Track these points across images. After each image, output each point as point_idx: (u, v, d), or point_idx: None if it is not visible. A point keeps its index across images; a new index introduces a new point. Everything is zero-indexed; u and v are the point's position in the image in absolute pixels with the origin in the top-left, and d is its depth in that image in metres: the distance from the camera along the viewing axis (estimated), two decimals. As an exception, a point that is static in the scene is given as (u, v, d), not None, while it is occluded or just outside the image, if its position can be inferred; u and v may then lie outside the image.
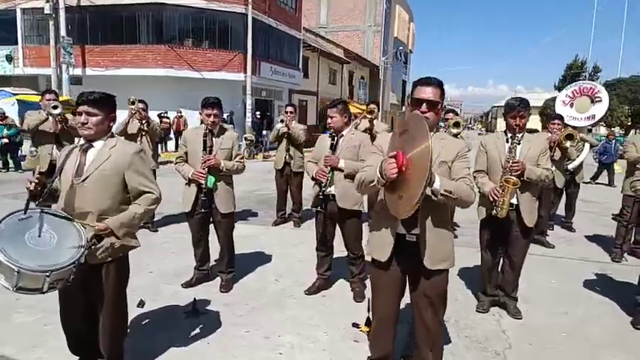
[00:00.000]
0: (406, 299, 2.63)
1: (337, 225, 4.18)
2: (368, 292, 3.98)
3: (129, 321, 2.91)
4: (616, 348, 3.41)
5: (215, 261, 4.54)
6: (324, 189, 3.95)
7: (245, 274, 4.65)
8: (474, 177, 3.73)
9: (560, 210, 7.19)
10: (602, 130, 32.79)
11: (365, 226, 4.57)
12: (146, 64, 18.65)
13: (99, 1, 18.57)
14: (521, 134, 3.74)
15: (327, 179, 3.94)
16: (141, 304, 3.76)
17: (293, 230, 6.77)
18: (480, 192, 3.73)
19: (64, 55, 17.60)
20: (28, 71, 20.01)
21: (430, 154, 1.97)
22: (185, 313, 3.70)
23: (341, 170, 3.94)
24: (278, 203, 7.09)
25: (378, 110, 6.64)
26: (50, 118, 5.35)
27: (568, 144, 5.63)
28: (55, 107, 5.23)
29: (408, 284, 2.60)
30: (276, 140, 6.96)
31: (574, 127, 6.46)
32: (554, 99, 35.02)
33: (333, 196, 3.98)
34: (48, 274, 2.12)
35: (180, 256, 5.03)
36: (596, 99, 7.84)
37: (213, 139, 4.09)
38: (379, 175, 2.25)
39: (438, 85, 2.44)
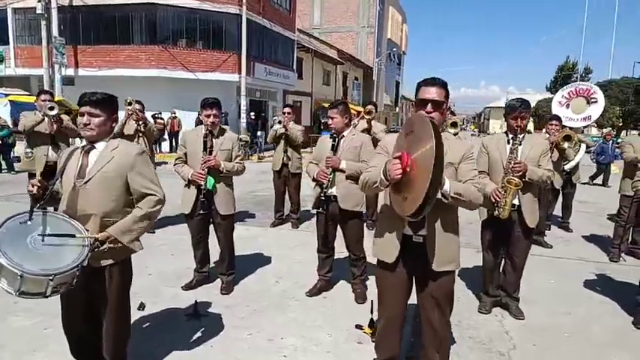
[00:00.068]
0: (410, 299, 2.62)
1: (338, 226, 4.16)
2: (370, 294, 3.99)
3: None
4: (618, 348, 3.42)
5: (215, 263, 4.50)
6: (325, 190, 3.93)
7: (245, 276, 4.62)
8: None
9: (557, 210, 7.22)
10: (594, 131, 33.12)
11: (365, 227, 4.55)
12: (139, 65, 18.53)
13: (91, 1, 18.42)
14: (522, 135, 3.74)
15: (329, 180, 3.92)
16: (141, 306, 3.72)
17: (291, 231, 6.74)
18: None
19: (57, 56, 17.44)
20: (20, 72, 19.79)
21: (433, 156, 1.94)
22: (186, 316, 3.67)
23: (342, 171, 3.92)
24: (276, 204, 7.06)
25: (376, 111, 6.62)
26: (46, 119, 5.28)
27: (566, 145, 5.66)
28: (51, 108, 5.17)
29: (414, 285, 2.58)
30: (273, 141, 6.94)
31: (570, 128, 6.49)
32: (546, 100, 35.38)
33: (335, 197, 3.95)
34: (51, 277, 2.08)
35: (180, 257, 4.99)
36: (592, 100, 7.90)
37: (213, 139, 4.05)
38: (383, 177, 2.24)
39: (443, 85, 2.43)
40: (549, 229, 6.89)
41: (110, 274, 2.43)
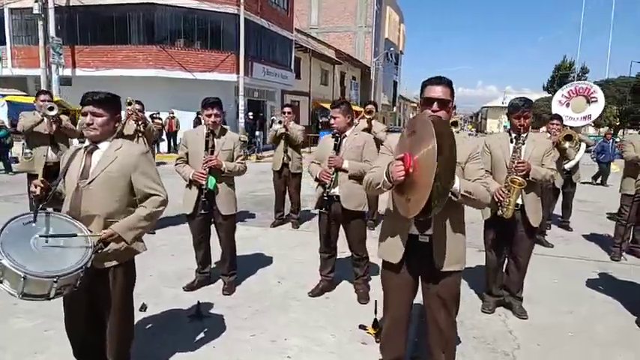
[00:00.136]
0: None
1: (341, 226, 4.14)
2: (373, 294, 3.97)
3: (133, 325, 2.85)
4: (623, 347, 3.42)
5: (216, 263, 4.48)
6: (328, 190, 3.91)
7: (246, 277, 4.60)
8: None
9: (556, 210, 7.22)
10: (591, 130, 33.23)
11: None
12: (137, 65, 18.49)
13: (88, 0, 18.36)
14: (525, 134, 3.74)
15: (332, 180, 3.90)
16: (143, 307, 3.69)
17: (291, 232, 6.72)
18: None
19: (54, 56, 17.37)
20: (17, 72, 19.72)
21: (435, 156, 1.91)
22: (189, 317, 3.64)
23: (345, 171, 3.90)
24: (276, 204, 7.04)
25: (376, 110, 6.61)
26: (45, 119, 5.24)
27: (567, 145, 5.66)
28: (51, 108, 5.13)
29: (420, 285, 2.57)
30: (274, 141, 6.91)
31: (571, 128, 6.49)
32: (543, 99, 35.47)
33: (337, 197, 3.94)
34: (55, 279, 2.05)
35: (180, 258, 4.97)
36: (592, 99, 7.91)
37: (215, 139, 4.03)
38: (385, 178, 2.22)
39: (448, 84, 2.42)
40: (550, 229, 6.89)
41: (114, 276, 2.41)
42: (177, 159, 4.21)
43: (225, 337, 3.36)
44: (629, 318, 3.91)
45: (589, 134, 26.71)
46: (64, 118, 5.53)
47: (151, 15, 18.54)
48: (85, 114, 2.39)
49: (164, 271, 4.69)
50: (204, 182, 3.91)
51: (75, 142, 6.75)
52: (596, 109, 7.91)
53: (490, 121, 75.80)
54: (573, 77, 43.06)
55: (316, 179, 4.02)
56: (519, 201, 3.67)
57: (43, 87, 16.87)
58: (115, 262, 2.40)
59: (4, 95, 15.78)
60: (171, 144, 18.89)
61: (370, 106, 6.43)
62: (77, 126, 5.72)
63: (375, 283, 3.99)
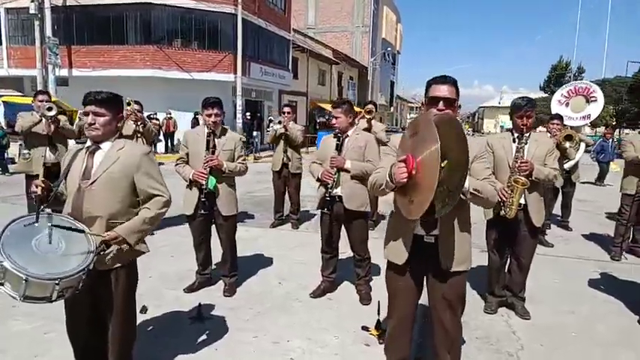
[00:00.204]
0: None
1: (343, 226, 4.12)
2: (375, 295, 3.95)
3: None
4: (625, 347, 3.41)
5: (216, 264, 4.45)
6: (330, 190, 3.89)
7: (247, 278, 4.57)
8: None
9: (556, 209, 7.22)
10: (587, 130, 33.29)
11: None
12: (134, 65, 18.39)
13: (85, 0, 18.27)
14: (528, 134, 3.73)
15: (334, 180, 3.88)
16: (143, 309, 3.66)
17: (291, 232, 6.69)
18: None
19: (50, 56, 17.24)
20: (13, 72, 19.56)
21: (439, 158, 1.88)
22: (190, 319, 3.62)
23: (347, 171, 3.88)
24: (275, 205, 7.01)
25: (376, 110, 6.60)
26: (43, 119, 5.20)
27: (567, 145, 5.65)
28: (49, 109, 5.08)
29: (425, 286, 2.55)
30: (273, 142, 6.89)
31: (571, 127, 6.49)
32: (541, 99, 35.52)
33: (340, 197, 3.91)
34: (57, 282, 2.02)
35: (181, 259, 4.93)
36: (592, 98, 7.91)
37: (216, 139, 4.00)
38: (388, 179, 2.20)
39: (453, 83, 2.41)
40: (549, 228, 6.89)
41: (116, 277, 2.38)
42: (177, 159, 4.18)
43: (227, 339, 3.34)
44: (630, 318, 3.90)
45: (586, 134, 26.80)
46: (62, 118, 5.48)
47: (148, 15, 18.45)
48: (87, 114, 2.36)
49: (165, 272, 4.65)
50: (204, 182, 3.88)
51: (72, 143, 6.71)
52: (595, 109, 7.92)
53: (487, 120, 75.76)
54: (570, 77, 43.21)
55: (318, 179, 4.00)
56: (522, 201, 3.66)
57: (40, 87, 16.74)
58: (117, 264, 2.37)
59: (0, 96, 15.66)
60: (169, 144, 18.82)
61: (370, 106, 6.43)
62: (74, 126, 5.68)
63: (378, 283, 3.97)
